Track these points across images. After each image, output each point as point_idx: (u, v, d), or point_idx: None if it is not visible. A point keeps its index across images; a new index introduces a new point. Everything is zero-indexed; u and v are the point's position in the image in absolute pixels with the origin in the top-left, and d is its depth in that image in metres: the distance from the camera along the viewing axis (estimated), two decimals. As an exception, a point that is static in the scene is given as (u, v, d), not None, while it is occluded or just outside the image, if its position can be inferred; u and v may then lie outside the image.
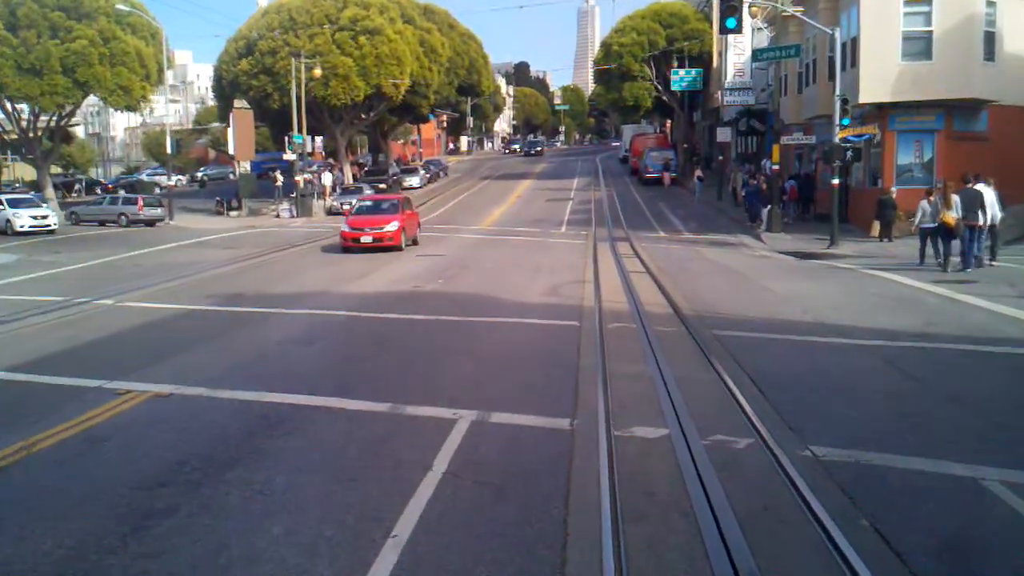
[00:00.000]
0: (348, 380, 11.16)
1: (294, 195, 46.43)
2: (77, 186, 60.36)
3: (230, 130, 46.70)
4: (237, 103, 47.55)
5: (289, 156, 46.62)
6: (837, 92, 28.39)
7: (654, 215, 40.94)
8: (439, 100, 62.08)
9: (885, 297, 17.80)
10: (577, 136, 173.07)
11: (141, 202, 43.63)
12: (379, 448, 8.24)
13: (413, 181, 60.71)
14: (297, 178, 45.80)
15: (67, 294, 19.86)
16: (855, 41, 30.56)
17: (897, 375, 10.93)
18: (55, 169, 70.52)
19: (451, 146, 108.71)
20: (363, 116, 56.72)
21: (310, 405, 9.83)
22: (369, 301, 18.10)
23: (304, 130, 46.79)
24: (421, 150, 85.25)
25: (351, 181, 55.15)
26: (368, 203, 32.13)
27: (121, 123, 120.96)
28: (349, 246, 28.47)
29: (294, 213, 45.81)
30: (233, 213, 47.37)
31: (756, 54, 33.50)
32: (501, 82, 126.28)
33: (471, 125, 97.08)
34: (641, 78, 60.82)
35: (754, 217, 34.93)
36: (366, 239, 28.23)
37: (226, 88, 52.39)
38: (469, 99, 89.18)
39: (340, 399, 10.05)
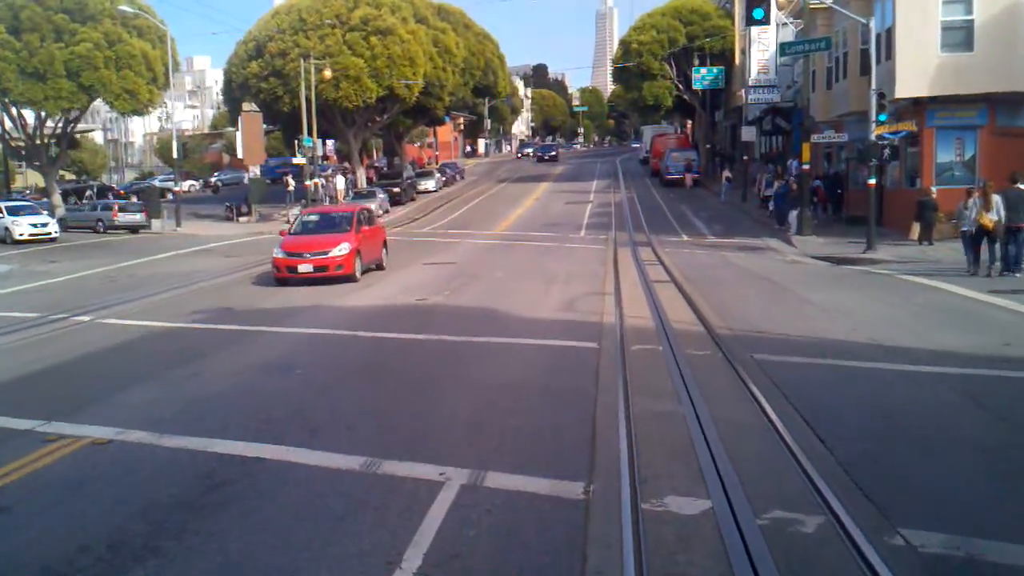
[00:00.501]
0: (321, 422, 9.29)
1: (304, 200, 44.80)
2: (88, 192, 58.91)
3: (238, 134, 45.12)
4: (246, 106, 45.99)
5: (299, 160, 44.96)
6: (872, 86, 26.28)
7: (676, 218, 38.94)
8: (454, 102, 60.28)
9: (940, 310, 15.75)
10: (596, 138, 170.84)
11: (116, 208, 42.23)
12: (337, 529, 6.36)
13: (428, 184, 58.93)
14: (307, 182, 44.13)
15: (47, 309, 18.21)
16: (890, 32, 28.46)
17: (988, 417, 8.92)
18: (69, 176, 69.49)
19: (468, 148, 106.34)
20: (377, 119, 55.04)
21: (268, 459, 7.98)
22: (365, 317, 16.28)
23: (314, 133, 45.12)
24: (437, 153, 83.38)
25: (365, 185, 53.45)
26: (314, 217, 24.74)
27: (140, 129, 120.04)
28: (284, 277, 21.45)
29: (304, 218, 44.15)
30: (243, 219, 45.79)
31: (783, 48, 31.46)
32: (519, 84, 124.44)
33: (488, 127, 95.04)
34: (661, 77, 58.70)
35: (782, 220, 32.85)
36: (305, 268, 21.26)
37: (236, 91, 50.81)
38: (487, 100, 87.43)
39: (306, 450, 8.19)
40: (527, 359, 12.32)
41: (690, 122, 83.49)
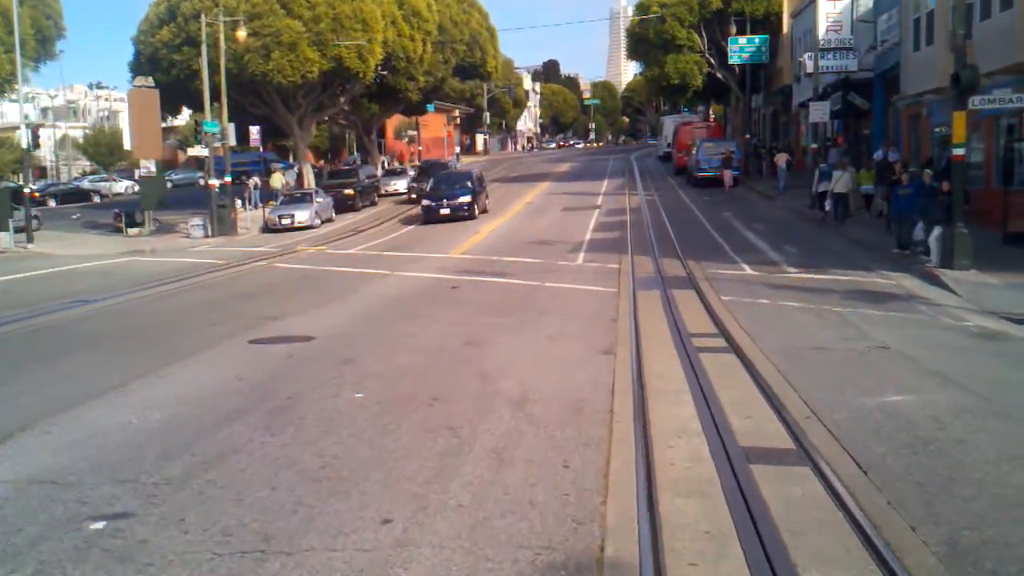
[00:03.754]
0: None
1: (222, 206, 31.83)
2: (-9, 195, 46.24)
3: (124, 116, 32.14)
4: (138, 81, 32.97)
5: (197, 151, 31.92)
6: None
7: (722, 232, 25.42)
8: (431, 83, 46.90)
9: None
10: (610, 137, 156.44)
11: None
12: None
13: (399, 185, 45.66)
14: (212, 182, 31.16)
15: None
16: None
17: None
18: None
19: (458, 148, 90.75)
20: (331, 100, 41.94)
21: None
22: None
23: (224, 116, 32.10)
24: (421, 148, 69.61)
25: (312, 184, 40.40)
26: None
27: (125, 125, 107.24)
28: None
29: (209, 231, 31.17)
30: (133, 231, 32.83)
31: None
32: (526, 78, 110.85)
33: (488, 121, 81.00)
34: (689, 49, 45.09)
35: (906, 241, 19.43)
36: None
37: (144, 65, 37.84)
38: (485, 91, 74.19)
39: None
40: None
41: (713, 116, 69.85)
